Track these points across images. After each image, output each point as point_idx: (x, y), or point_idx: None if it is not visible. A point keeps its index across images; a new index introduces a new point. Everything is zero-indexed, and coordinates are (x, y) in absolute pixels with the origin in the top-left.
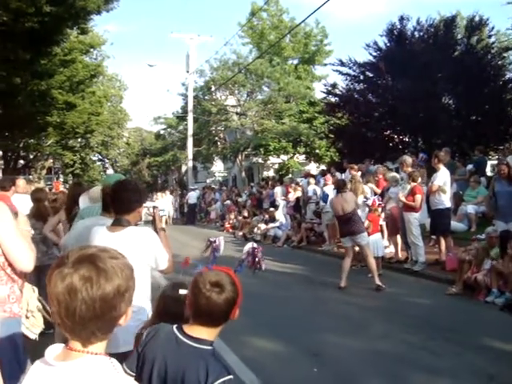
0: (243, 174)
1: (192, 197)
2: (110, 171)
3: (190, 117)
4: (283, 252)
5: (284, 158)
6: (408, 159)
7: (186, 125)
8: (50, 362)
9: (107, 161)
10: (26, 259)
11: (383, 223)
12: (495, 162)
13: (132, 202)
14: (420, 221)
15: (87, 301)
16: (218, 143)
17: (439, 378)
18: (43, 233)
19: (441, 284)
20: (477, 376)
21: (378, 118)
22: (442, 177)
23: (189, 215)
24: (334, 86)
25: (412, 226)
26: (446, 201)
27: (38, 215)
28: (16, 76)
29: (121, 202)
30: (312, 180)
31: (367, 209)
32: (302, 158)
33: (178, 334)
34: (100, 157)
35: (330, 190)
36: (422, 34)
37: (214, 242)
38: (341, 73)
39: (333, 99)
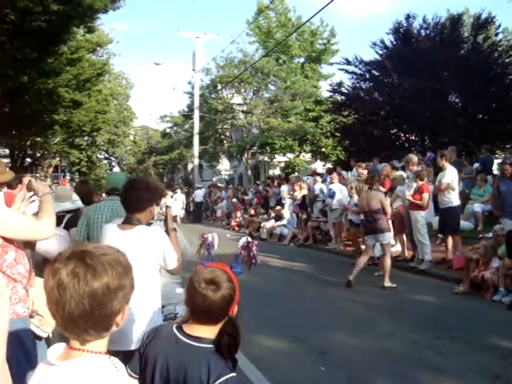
0: (249, 172)
1: (198, 195)
2: (116, 169)
3: (196, 115)
4: (289, 250)
5: (290, 156)
6: (414, 158)
7: (192, 123)
8: (53, 361)
9: (113, 159)
10: (42, 227)
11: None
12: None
13: (143, 200)
14: (427, 219)
15: (75, 297)
16: (224, 141)
17: (445, 377)
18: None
19: (447, 283)
20: (483, 375)
21: (385, 117)
22: (450, 175)
23: (195, 213)
24: (339, 84)
25: (419, 225)
26: (454, 199)
27: None
28: (23, 74)
29: (131, 201)
30: (319, 178)
31: None
32: (308, 156)
33: (178, 333)
34: (106, 155)
35: (337, 188)
36: (428, 32)
37: (208, 238)
38: (347, 71)
39: (339, 98)
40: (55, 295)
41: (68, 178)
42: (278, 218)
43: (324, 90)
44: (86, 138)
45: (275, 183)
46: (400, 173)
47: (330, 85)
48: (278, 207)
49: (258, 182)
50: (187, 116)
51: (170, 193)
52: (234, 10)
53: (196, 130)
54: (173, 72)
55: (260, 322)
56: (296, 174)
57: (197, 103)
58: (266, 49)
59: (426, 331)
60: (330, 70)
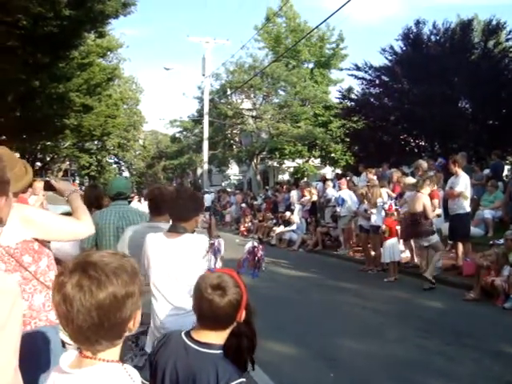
0: (258, 177)
1: (207, 200)
2: (125, 174)
3: (206, 120)
4: (298, 256)
5: (299, 161)
6: (423, 164)
7: (202, 128)
8: (65, 369)
9: (123, 163)
10: (82, 226)
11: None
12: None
13: (190, 210)
14: (436, 225)
15: (82, 310)
16: (234, 146)
17: None
18: None
19: (457, 289)
20: (493, 382)
21: (394, 122)
22: (463, 182)
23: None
24: (349, 90)
25: None
26: (466, 206)
27: None
28: (35, 79)
29: (178, 210)
30: (330, 183)
31: (384, 213)
32: (317, 161)
33: (186, 340)
34: (116, 159)
35: (346, 194)
36: (438, 37)
37: (214, 243)
38: (356, 77)
39: (348, 103)
40: (63, 309)
41: (78, 182)
42: (287, 223)
43: (333, 96)
44: (95, 143)
45: (284, 188)
46: (409, 179)
47: (340, 91)
48: (288, 213)
49: (267, 188)
50: (197, 121)
51: None
52: (243, 15)
53: (205, 134)
54: (182, 77)
55: (268, 326)
56: (305, 179)
57: (206, 108)
58: (276, 54)
59: (435, 337)
60: (339, 76)
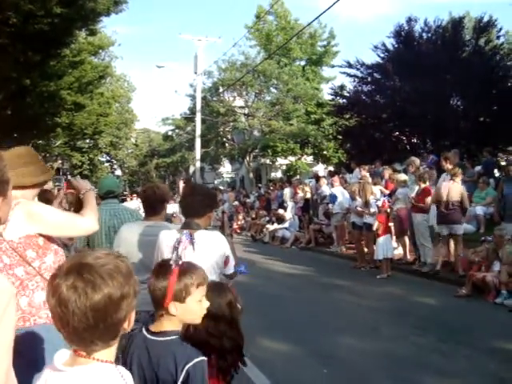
0: (251, 175)
1: None
2: (118, 172)
3: (198, 118)
4: (291, 253)
5: (292, 159)
6: (416, 160)
7: (194, 126)
8: (59, 367)
9: (115, 162)
10: (85, 221)
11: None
12: (504, 164)
13: (204, 206)
14: (429, 222)
15: (77, 312)
16: (226, 144)
17: (449, 381)
18: None
19: (450, 285)
20: (487, 378)
21: (386, 120)
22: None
23: None
24: (341, 87)
25: (421, 228)
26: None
27: None
28: (26, 77)
29: (191, 206)
30: (324, 180)
31: (377, 210)
32: (309, 159)
33: (146, 333)
34: (108, 158)
35: (338, 191)
36: (429, 35)
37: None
38: (348, 75)
39: (340, 101)
40: (58, 312)
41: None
42: (280, 220)
43: (325, 93)
44: (87, 141)
45: (277, 186)
46: (400, 175)
47: (332, 88)
48: (281, 210)
49: (259, 185)
50: (189, 119)
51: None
52: (235, 13)
53: (198, 132)
54: (174, 75)
55: (262, 324)
56: (298, 176)
57: (199, 106)
58: (267, 52)
59: (429, 334)
60: (331, 73)
